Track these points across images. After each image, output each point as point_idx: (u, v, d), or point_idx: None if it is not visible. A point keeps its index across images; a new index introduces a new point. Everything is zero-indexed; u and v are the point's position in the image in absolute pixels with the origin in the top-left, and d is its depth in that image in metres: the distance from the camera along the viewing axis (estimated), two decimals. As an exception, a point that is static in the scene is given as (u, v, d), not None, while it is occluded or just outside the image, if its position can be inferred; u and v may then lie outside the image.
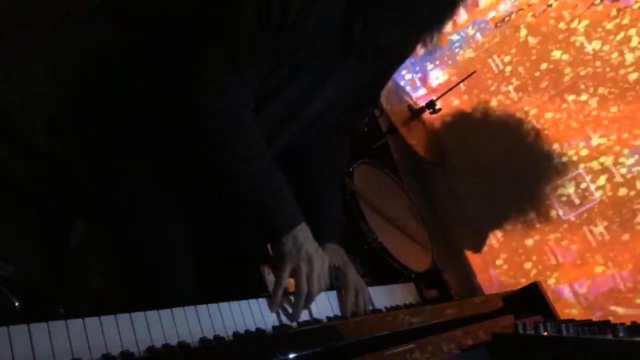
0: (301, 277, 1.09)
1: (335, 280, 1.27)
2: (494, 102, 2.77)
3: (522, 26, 2.73)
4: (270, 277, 1.16)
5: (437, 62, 2.98)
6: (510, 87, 2.75)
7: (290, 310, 1.10)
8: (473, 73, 2.54)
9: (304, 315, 1.12)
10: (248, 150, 1.07)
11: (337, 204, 1.42)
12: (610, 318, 1.78)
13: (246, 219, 1.17)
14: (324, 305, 1.17)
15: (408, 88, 3.02)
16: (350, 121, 1.42)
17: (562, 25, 2.63)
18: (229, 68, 1.03)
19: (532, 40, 2.71)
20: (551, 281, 2.50)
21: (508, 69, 2.77)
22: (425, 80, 3.02)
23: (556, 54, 2.64)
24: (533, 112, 2.65)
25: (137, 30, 1.22)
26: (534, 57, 2.69)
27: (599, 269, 2.40)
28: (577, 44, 2.58)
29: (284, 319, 1.09)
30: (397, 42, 1.17)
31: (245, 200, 1.10)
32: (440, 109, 2.57)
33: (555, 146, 2.53)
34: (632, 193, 2.37)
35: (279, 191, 1.10)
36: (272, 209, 1.10)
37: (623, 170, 2.40)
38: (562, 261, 2.50)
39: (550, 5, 2.66)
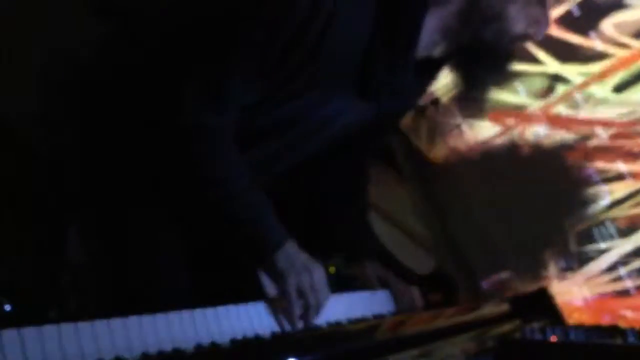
0: (306, 290, 1.07)
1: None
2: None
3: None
4: (268, 280, 1.14)
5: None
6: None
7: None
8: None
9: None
10: (227, 171, 1.05)
11: (364, 224, 1.46)
12: (620, 322, 1.75)
13: (234, 244, 1.13)
14: (324, 310, 1.15)
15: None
16: (365, 147, 1.42)
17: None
18: (210, 93, 1.02)
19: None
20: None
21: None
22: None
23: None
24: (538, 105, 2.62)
25: (135, 32, 1.21)
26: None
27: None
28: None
29: (285, 325, 1.07)
30: (412, 90, 1.18)
31: (229, 221, 1.07)
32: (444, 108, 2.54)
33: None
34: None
35: (262, 210, 1.07)
36: (257, 229, 1.06)
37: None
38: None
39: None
